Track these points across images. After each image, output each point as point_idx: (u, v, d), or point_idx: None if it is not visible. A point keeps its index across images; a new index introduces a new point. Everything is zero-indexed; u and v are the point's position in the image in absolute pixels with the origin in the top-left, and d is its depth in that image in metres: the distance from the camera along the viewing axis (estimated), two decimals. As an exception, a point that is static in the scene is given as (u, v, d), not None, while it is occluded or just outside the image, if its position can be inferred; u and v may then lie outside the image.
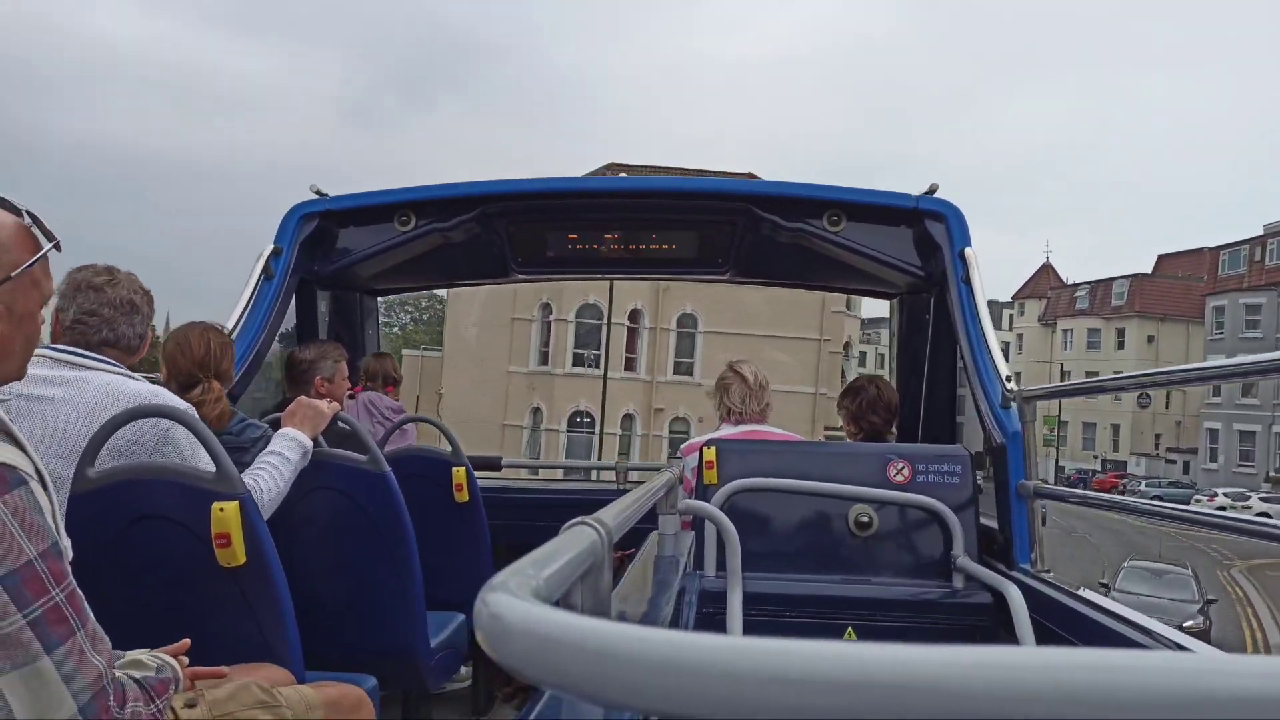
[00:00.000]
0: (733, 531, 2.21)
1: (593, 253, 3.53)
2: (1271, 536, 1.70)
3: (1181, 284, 48.46)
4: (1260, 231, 40.85)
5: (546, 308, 29.05)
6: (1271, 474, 33.65)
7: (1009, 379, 2.58)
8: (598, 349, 28.51)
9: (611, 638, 0.38)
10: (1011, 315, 59.68)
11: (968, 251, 2.96)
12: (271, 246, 3.24)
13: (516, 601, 0.42)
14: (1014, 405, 2.53)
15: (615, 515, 0.98)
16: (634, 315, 27.14)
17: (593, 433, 28.18)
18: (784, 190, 3.32)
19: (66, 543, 1.23)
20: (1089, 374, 49.90)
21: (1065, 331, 53.85)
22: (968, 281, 2.91)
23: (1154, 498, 29.14)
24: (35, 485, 1.14)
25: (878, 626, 2.08)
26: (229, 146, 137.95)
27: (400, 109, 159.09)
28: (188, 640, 1.49)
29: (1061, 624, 2.07)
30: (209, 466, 1.68)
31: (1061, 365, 49.00)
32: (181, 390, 2.03)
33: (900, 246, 3.21)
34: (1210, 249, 42.74)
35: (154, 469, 1.74)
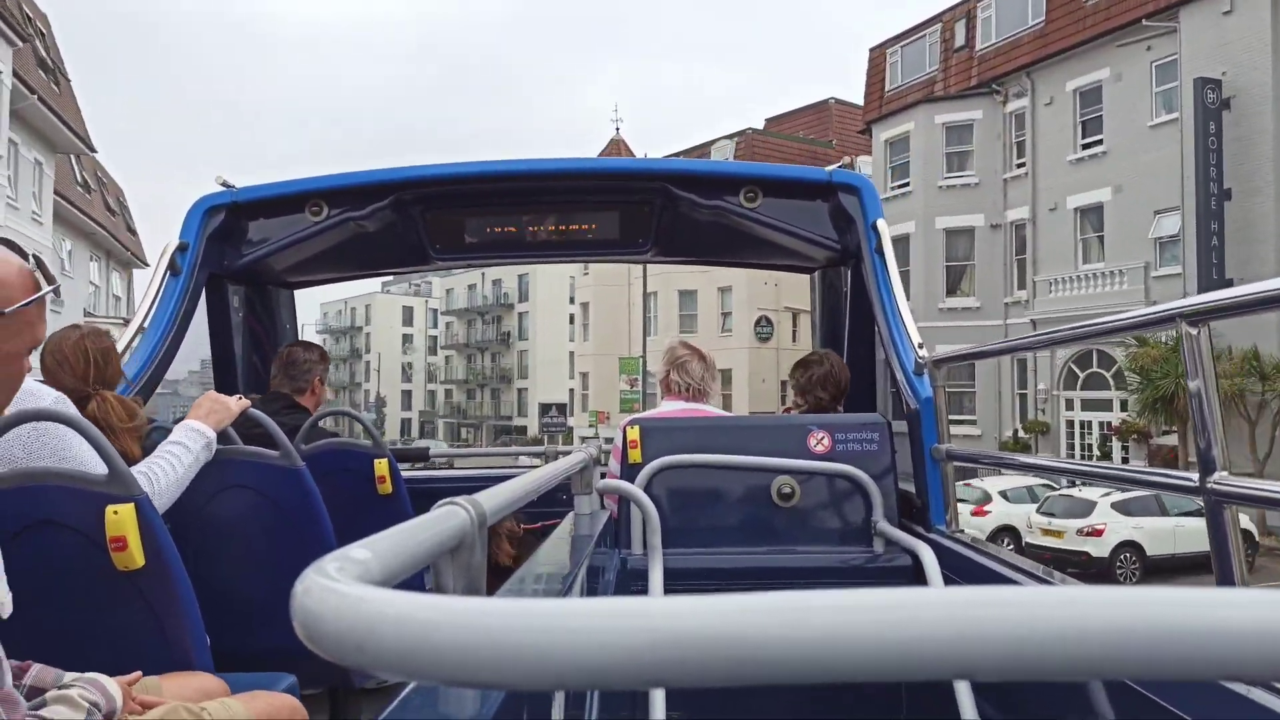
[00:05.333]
0: (651, 509, 2.57)
1: (513, 236, 3.76)
2: (1171, 488, 2.01)
3: (806, 148, 38.67)
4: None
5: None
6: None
7: (920, 346, 3.05)
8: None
9: (418, 612, 0.40)
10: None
11: (879, 223, 3.37)
12: (177, 241, 3.33)
13: (331, 584, 0.45)
14: (926, 372, 2.98)
15: (495, 496, 1.08)
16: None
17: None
18: (700, 168, 3.80)
19: (6, 596, 1.36)
20: (683, 293, 40.07)
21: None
22: (880, 252, 3.31)
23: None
24: None
25: None
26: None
27: None
28: (139, 674, 1.66)
29: (970, 579, 2.50)
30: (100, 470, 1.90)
31: (645, 269, 37.22)
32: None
33: (816, 220, 3.57)
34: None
35: (42, 473, 1.83)
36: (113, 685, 1.53)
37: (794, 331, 36.90)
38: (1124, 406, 22.38)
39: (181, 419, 2.51)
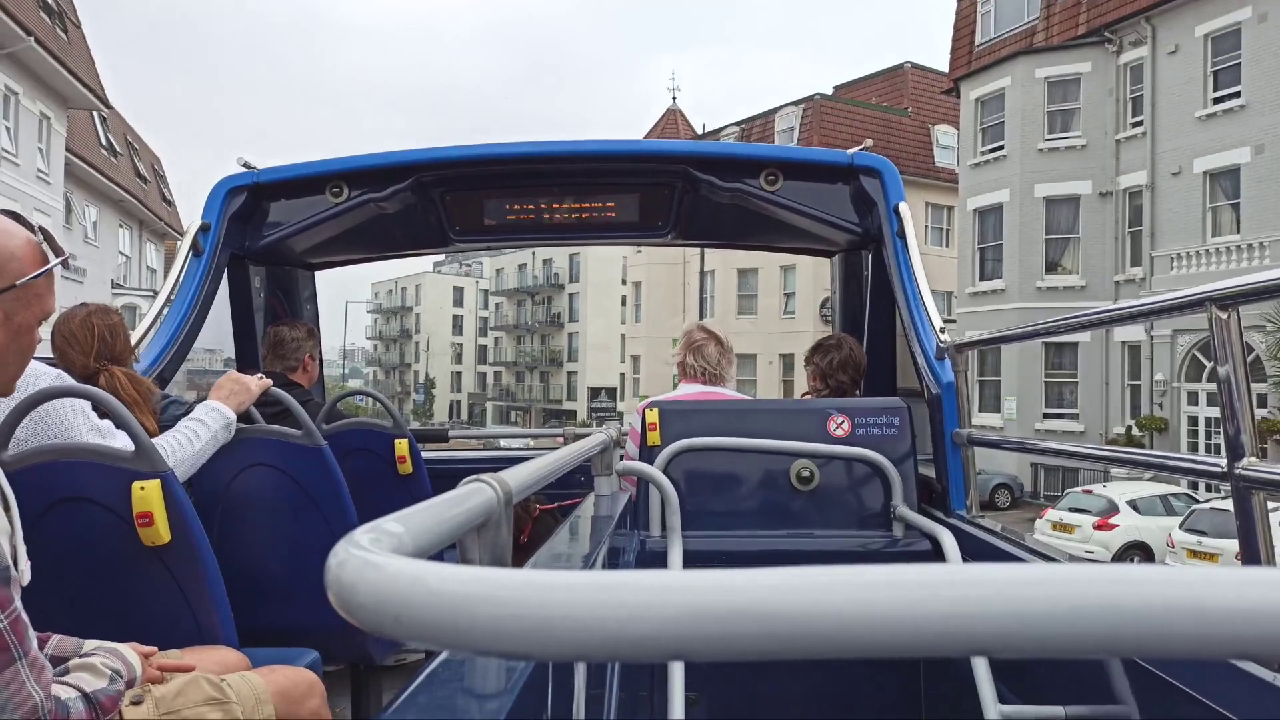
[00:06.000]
0: (671, 491, 2.63)
1: (532, 218, 3.81)
2: (1199, 473, 1.99)
3: (879, 115, 35.83)
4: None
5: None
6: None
7: (942, 330, 3.08)
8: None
9: (455, 583, 0.41)
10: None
11: (901, 206, 3.41)
12: (199, 222, 3.46)
13: (367, 555, 0.46)
14: (947, 356, 3.01)
15: (520, 474, 1.09)
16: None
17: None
18: (721, 150, 3.81)
19: (25, 565, 1.39)
20: (742, 271, 37.37)
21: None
22: (902, 236, 3.33)
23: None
24: None
25: None
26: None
27: None
28: (155, 649, 1.73)
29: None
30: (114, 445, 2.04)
31: (701, 254, 35.19)
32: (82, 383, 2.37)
33: (837, 204, 3.60)
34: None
35: (70, 449, 1.91)
36: (131, 654, 1.61)
37: (862, 314, 34.41)
38: (1263, 402, 19.47)
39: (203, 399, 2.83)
